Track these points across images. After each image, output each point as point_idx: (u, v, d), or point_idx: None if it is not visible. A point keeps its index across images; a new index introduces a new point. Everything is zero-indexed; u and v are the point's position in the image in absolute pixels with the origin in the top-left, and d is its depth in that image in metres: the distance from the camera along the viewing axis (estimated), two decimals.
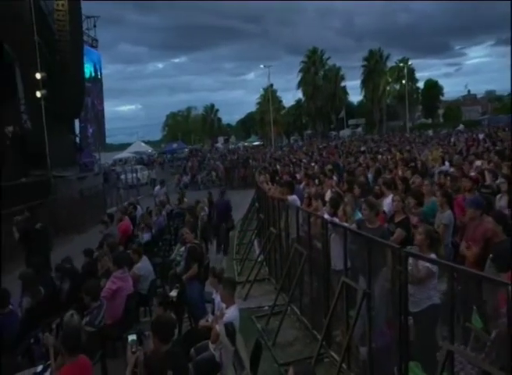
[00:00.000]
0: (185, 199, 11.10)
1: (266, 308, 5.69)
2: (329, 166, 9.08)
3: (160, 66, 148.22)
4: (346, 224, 4.35)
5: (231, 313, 3.71)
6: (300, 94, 53.66)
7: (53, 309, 5.27)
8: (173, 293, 5.16)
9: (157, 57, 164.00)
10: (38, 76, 13.64)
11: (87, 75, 20.60)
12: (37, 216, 10.00)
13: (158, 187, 14.38)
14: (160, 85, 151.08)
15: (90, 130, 20.00)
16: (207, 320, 4.25)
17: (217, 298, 4.22)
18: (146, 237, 7.67)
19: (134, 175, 25.05)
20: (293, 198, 5.77)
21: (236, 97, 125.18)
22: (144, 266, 5.54)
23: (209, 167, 25.12)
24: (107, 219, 7.97)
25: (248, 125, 69.50)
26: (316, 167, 11.00)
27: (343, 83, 52.41)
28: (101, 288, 4.84)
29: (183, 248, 6.39)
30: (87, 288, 4.33)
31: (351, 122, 52.78)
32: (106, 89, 23.85)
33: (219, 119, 69.17)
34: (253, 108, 61.10)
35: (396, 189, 5.51)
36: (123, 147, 51.56)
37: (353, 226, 4.19)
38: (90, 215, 13.83)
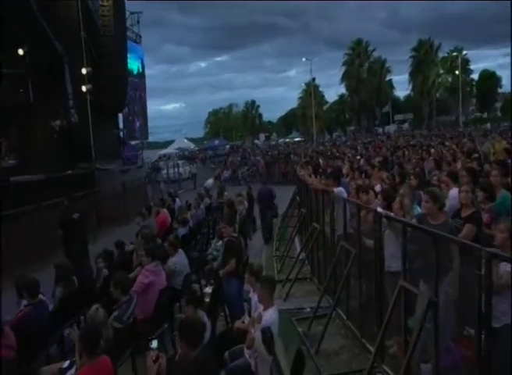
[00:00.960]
0: (225, 193, 10.84)
1: (308, 310, 5.20)
2: (379, 158, 8.36)
3: (203, 64, 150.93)
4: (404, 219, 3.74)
5: (269, 316, 3.26)
6: (342, 90, 52.10)
7: (87, 300, 5.12)
8: (208, 289, 4.82)
9: (200, 56, 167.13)
10: (84, 71, 13.95)
11: (135, 71, 20.99)
12: (77, 206, 10.18)
13: (210, 180, 14.09)
14: (203, 83, 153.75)
15: (137, 124, 20.35)
16: (243, 322, 3.85)
17: (254, 297, 3.79)
18: (183, 230, 7.42)
19: (176, 170, 25.37)
20: (339, 190, 5.21)
21: (277, 94, 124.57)
22: (179, 259, 5.23)
23: (250, 162, 24.88)
24: (145, 211, 7.81)
25: (289, 121, 68.72)
26: (362, 161, 10.26)
27: (388, 77, 50.20)
28: (131, 281, 4.58)
29: (220, 243, 6.06)
30: (115, 281, 4.06)
31: (397, 117, 50.36)
32: (152, 88, 24.39)
33: (260, 116, 68.96)
34: (294, 104, 60.21)
35: (457, 183, 4.81)
36: (168, 144, 52.70)
37: (414, 222, 3.59)
38: (132, 207, 13.96)
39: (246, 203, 9.49)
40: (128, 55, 17.06)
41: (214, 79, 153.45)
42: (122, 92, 15.90)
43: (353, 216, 4.58)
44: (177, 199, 10.43)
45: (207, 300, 4.70)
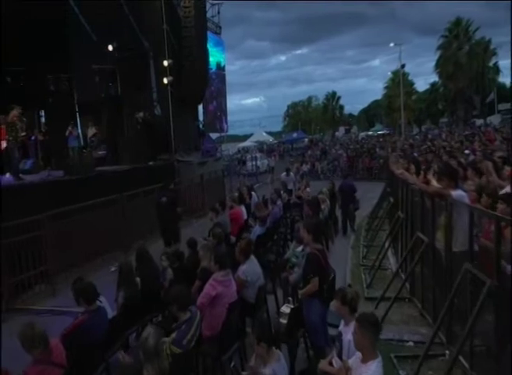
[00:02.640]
0: (307, 189, 9.94)
1: (411, 344, 4.10)
2: (500, 153, 6.73)
3: (282, 58, 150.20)
4: None
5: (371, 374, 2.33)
6: (433, 78, 47.26)
7: (152, 306, 4.65)
8: (285, 308, 3.99)
9: (279, 50, 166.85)
10: (165, 63, 14.02)
11: (215, 63, 20.94)
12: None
13: (284, 174, 13.31)
14: (282, 77, 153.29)
15: (217, 117, 20.32)
16: (330, 362, 2.95)
17: (346, 333, 2.88)
18: (260, 229, 6.69)
19: (254, 163, 25.08)
20: (459, 194, 3.98)
21: (358, 85, 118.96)
22: (250, 268, 4.46)
23: (330, 156, 23.54)
24: (218, 206, 7.24)
25: (371, 114, 64.98)
26: (471, 156, 8.55)
27: (493, 61, 43.97)
28: (193, 295, 3.93)
29: (300, 249, 5.19)
30: (172, 296, 3.42)
31: (502, 106, 44.00)
32: (233, 84, 24.28)
33: (341, 108, 66.12)
34: (377, 95, 56.59)
35: None
36: (247, 137, 53.17)
37: None
38: (209, 200, 13.79)
39: (328, 201, 8.47)
40: (208, 47, 16.91)
41: (293, 72, 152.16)
42: (202, 84, 15.78)
43: (483, 231, 3.38)
44: (254, 194, 9.77)
45: (283, 321, 3.89)
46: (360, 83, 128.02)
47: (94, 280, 7.07)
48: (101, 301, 3.74)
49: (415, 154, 11.18)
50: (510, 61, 40.86)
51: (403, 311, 4.88)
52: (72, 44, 14.41)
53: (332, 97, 65.39)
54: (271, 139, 51.55)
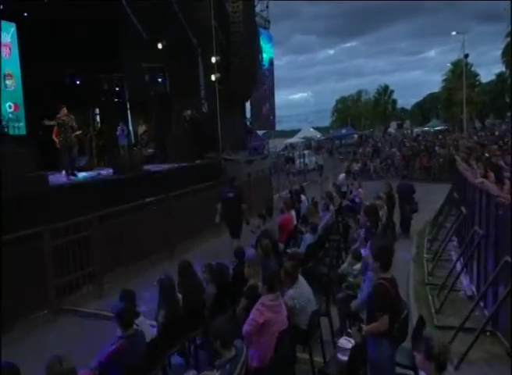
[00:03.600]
0: (360, 189, 9.19)
1: None
2: None
3: (331, 52, 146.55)
4: None
5: None
6: (498, 68, 43.34)
7: (194, 323, 4.29)
8: (344, 343, 3.43)
9: (328, 44, 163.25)
10: (213, 60, 13.77)
11: (263, 58, 20.42)
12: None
13: (342, 176, 12.22)
14: (330, 71, 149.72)
15: (264, 113, 19.85)
16: None
17: None
18: (311, 238, 6.14)
19: (302, 160, 24.37)
20: None
21: (411, 78, 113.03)
22: (299, 293, 3.88)
23: (384, 154, 22.21)
24: (265, 212, 6.76)
25: (426, 108, 61.33)
26: None
27: None
28: (238, 329, 3.46)
29: (357, 266, 4.59)
30: (217, 330, 2.97)
31: None
32: (280, 79, 23.60)
33: (394, 102, 63.03)
34: (434, 88, 53.15)
35: None
36: (294, 133, 52.41)
37: None
38: (256, 199, 13.42)
39: (385, 207, 7.70)
40: (261, 43, 16.46)
41: (342, 66, 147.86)
42: (250, 80, 15.37)
43: None
44: (303, 197, 9.18)
45: (343, 358, 3.34)
46: (413, 75, 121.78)
47: (140, 282, 7.00)
48: (137, 325, 3.41)
49: (486, 155, 9.99)
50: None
51: (484, 347, 4.11)
52: (123, 43, 14.64)
53: (384, 91, 62.52)
54: (318, 135, 50.33)
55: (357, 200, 9.42)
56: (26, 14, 15.20)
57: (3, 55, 15.38)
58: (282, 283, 3.91)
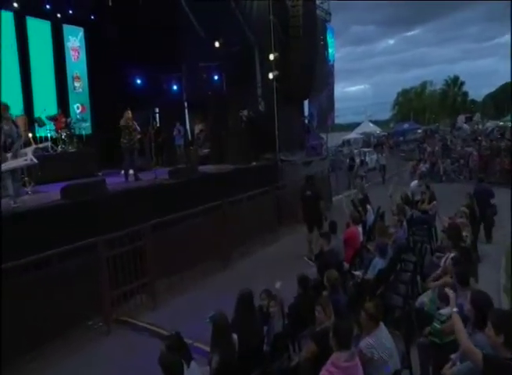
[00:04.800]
0: (434, 203, 8.13)
1: None
2: None
3: (391, 42, 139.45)
4: None
5: None
6: None
7: (250, 365, 3.79)
8: None
9: (387, 33, 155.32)
10: (271, 57, 13.19)
11: (325, 53, 19.45)
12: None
13: (415, 183, 10.74)
14: (390, 62, 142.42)
15: (324, 111, 18.89)
16: None
17: None
18: (380, 262, 5.37)
19: (363, 159, 23.06)
20: None
21: (482, 66, 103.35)
22: (379, 342, 3.20)
23: (456, 153, 20.15)
24: (328, 230, 6.07)
25: (500, 99, 55.83)
26: None
27: None
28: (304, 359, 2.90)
29: (446, 311, 3.78)
30: None
31: None
32: (337, 71, 22.37)
33: (465, 94, 58.17)
34: (508, 78, 47.97)
35: None
36: (351, 127, 50.29)
37: None
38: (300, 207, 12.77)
39: (469, 226, 6.64)
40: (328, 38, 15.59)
41: (403, 56, 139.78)
42: (310, 77, 14.59)
43: None
44: (369, 208, 8.28)
45: None
46: (484, 63, 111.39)
47: (195, 295, 6.66)
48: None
49: None
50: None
51: None
52: (182, 43, 14.62)
53: (454, 82, 57.92)
54: (378, 130, 47.85)
55: (430, 212, 8.37)
56: (92, 17, 15.78)
57: (72, 58, 16.14)
58: (361, 327, 3.28)
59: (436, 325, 3.73)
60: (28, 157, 7.14)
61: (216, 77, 15.28)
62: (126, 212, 7.46)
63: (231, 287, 7.55)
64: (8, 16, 13.93)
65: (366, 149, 27.72)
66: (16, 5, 13.61)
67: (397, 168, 20.17)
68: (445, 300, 3.74)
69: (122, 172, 10.95)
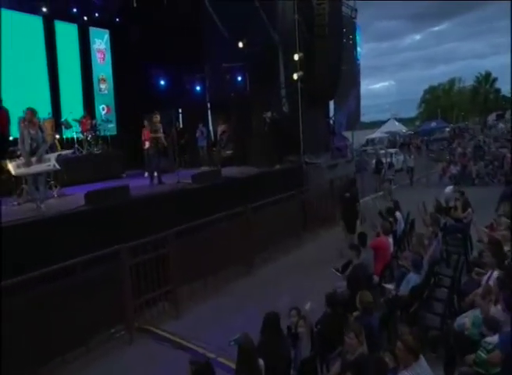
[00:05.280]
0: (469, 210, 7.63)
1: None
2: None
3: (417, 37, 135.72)
4: None
5: None
6: None
7: None
8: None
9: (413, 29, 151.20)
10: (296, 57, 12.88)
11: (352, 51, 18.91)
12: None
13: (450, 189, 10.26)
14: (416, 58, 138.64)
15: (350, 111, 18.36)
16: None
17: None
18: (414, 278, 5.02)
19: (389, 160, 22.34)
20: None
21: None
22: None
23: (489, 155, 19.18)
24: (357, 242, 5.76)
25: None
26: None
27: None
28: None
29: (493, 339, 3.45)
30: None
31: None
32: (361, 68, 21.72)
33: (497, 91, 55.83)
34: None
35: None
36: (375, 125, 49.11)
37: None
38: (338, 208, 12.39)
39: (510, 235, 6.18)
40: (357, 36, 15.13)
41: (430, 52, 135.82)
42: (336, 77, 14.19)
43: None
44: (398, 214, 7.88)
45: None
46: None
47: (217, 303, 6.52)
48: None
49: None
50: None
51: None
52: (205, 44, 14.54)
53: (486, 78, 55.66)
54: (404, 129, 46.56)
55: (464, 220, 7.90)
56: (117, 19, 15.91)
57: (98, 60, 16.34)
58: (399, 359, 2.99)
59: (482, 354, 3.40)
60: (51, 163, 7.23)
61: (240, 78, 15.10)
62: (148, 218, 7.37)
63: (254, 294, 7.43)
64: (37, 21, 14.19)
65: (392, 150, 26.87)
66: (44, 9, 13.85)
67: (426, 170, 19.41)
68: (493, 327, 3.41)
69: (146, 174, 10.97)
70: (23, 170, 6.88)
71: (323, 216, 11.65)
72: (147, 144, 11.02)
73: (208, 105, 16.33)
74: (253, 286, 8.00)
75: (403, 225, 7.52)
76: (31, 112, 7.30)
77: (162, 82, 16.41)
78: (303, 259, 9.37)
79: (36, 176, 7.07)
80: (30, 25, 14.00)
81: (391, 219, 7.27)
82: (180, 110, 17.43)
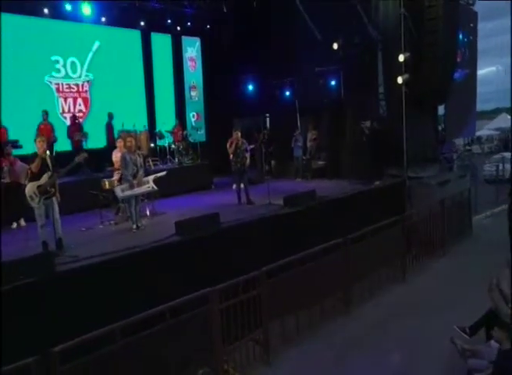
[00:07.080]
0: None
1: None
2: None
3: None
4: None
5: None
6: None
7: None
8: None
9: None
10: (401, 57, 11.27)
11: (466, 44, 16.38)
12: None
13: None
14: None
15: (463, 116, 15.78)
16: None
17: None
18: None
19: (501, 167, 19.01)
20: None
21: None
22: None
23: None
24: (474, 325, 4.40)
25: None
26: None
27: None
28: None
29: None
30: None
31: None
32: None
33: None
34: None
35: None
36: (478, 116, 42.98)
37: None
38: (453, 234, 10.66)
39: None
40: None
41: None
42: (447, 79, 12.21)
43: None
44: None
45: None
46: None
47: (313, 348, 5.65)
48: None
49: None
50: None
51: None
52: (297, 47, 13.74)
53: None
54: None
55: None
56: (208, 26, 15.93)
57: (190, 68, 16.56)
58: None
59: None
60: (150, 185, 7.95)
61: (333, 82, 13.97)
62: (237, 251, 6.81)
63: (353, 338, 6.55)
64: (136, 35, 14.74)
65: (505, 154, 22.82)
66: (142, 23, 14.30)
67: None
68: None
69: (234, 186, 10.59)
70: (128, 193, 7.56)
71: (431, 243, 10.05)
72: (231, 156, 10.60)
73: (298, 111, 15.51)
74: (353, 326, 7.11)
75: None
76: (132, 138, 8.04)
77: (251, 87, 16.14)
78: (408, 299, 8.13)
79: (137, 198, 7.79)
80: (129, 39, 14.60)
81: None
82: (268, 116, 17.05)
